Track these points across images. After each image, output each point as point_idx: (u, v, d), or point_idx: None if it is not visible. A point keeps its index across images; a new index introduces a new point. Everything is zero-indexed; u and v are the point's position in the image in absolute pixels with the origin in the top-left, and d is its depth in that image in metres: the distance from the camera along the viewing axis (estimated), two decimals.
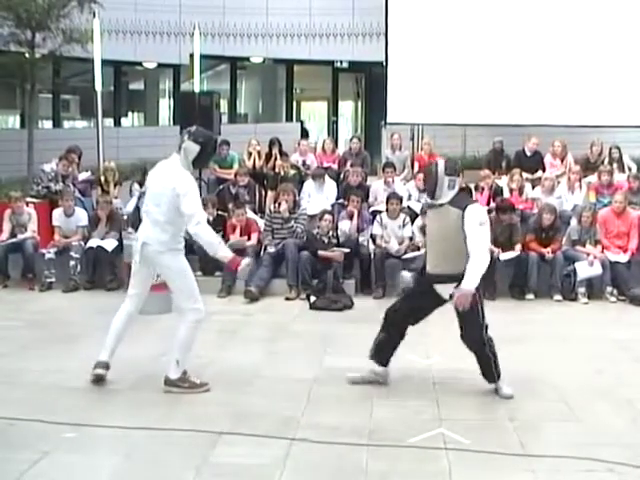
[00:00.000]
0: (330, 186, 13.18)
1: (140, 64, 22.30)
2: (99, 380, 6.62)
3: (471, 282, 6.32)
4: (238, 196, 12.92)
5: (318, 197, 12.94)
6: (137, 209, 12.00)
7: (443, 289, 6.57)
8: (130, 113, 24.13)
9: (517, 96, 15.76)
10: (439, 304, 6.71)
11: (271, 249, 11.23)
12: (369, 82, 23.32)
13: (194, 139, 6.50)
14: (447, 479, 4.88)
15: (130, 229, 11.59)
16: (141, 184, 13.57)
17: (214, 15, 20.62)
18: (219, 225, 11.61)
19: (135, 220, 11.81)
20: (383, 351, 6.90)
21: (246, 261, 6.61)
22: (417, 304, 6.82)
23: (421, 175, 13.42)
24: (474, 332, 6.54)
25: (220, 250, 6.60)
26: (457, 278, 6.37)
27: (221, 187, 13.59)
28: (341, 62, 22.56)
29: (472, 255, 6.32)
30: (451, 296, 6.49)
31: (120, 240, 11.41)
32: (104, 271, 11.37)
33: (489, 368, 6.60)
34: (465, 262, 6.34)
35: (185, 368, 6.60)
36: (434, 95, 15.91)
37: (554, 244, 11.28)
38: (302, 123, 23.04)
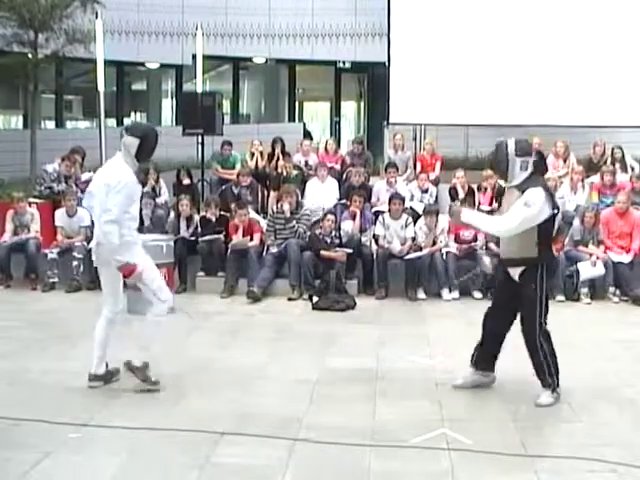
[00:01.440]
0: (332, 186, 13.19)
1: (143, 64, 22.34)
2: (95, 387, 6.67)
3: (471, 216, 6.42)
4: (240, 196, 12.93)
5: (321, 194, 12.96)
6: (139, 209, 12.00)
7: (515, 273, 6.45)
8: (133, 113, 24.15)
9: (519, 96, 15.75)
10: (519, 293, 6.50)
11: (273, 249, 11.24)
12: (371, 82, 23.34)
13: (132, 133, 6.52)
14: (450, 479, 4.88)
15: None
16: (143, 184, 13.59)
17: (217, 15, 20.63)
18: (222, 225, 11.64)
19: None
20: (484, 358, 6.82)
21: (139, 269, 6.52)
22: (504, 295, 6.70)
23: (423, 175, 13.49)
24: (529, 329, 6.51)
25: (116, 253, 6.43)
26: (525, 262, 6.31)
27: (223, 187, 13.60)
28: (343, 62, 22.57)
29: (498, 218, 6.32)
30: (520, 276, 6.37)
31: None
32: None
33: (540, 370, 6.46)
34: (531, 246, 6.26)
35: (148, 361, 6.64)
36: (436, 95, 15.92)
37: (557, 244, 11.26)
38: (304, 125, 23.02)
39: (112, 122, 21.21)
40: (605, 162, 14.16)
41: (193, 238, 11.59)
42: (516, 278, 6.43)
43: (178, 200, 12.10)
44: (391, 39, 16.32)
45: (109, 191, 6.29)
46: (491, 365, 6.83)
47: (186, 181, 13.68)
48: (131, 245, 6.52)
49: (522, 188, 6.26)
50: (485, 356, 6.80)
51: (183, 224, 11.78)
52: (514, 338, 8.66)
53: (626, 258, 11.14)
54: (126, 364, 6.63)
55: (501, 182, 6.53)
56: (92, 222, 11.67)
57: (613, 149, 14.36)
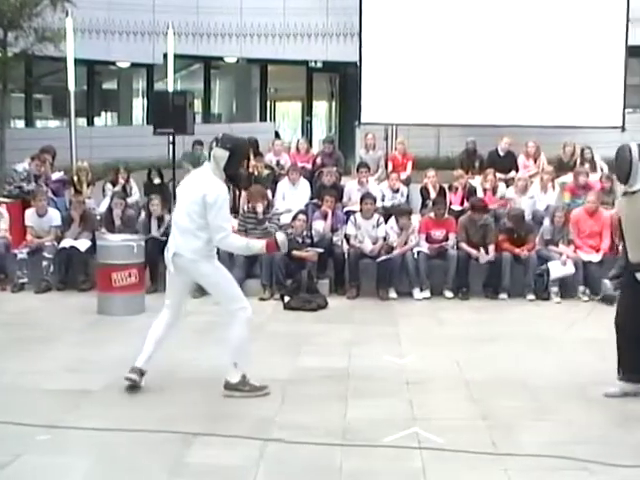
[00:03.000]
0: (304, 186, 13.19)
1: (113, 63, 22.18)
2: (133, 386, 6.54)
3: None
4: None
5: (292, 196, 12.95)
6: (110, 209, 11.95)
7: None
8: (103, 113, 23.98)
9: (490, 97, 15.86)
10: None
11: None
12: (343, 82, 23.34)
13: (222, 145, 6.38)
14: (421, 478, 4.89)
15: (103, 229, 11.54)
16: (114, 184, 13.54)
17: (188, 15, 20.54)
18: None
19: (108, 221, 11.77)
20: (629, 367, 6.63)
21: (280, 237, 6.54)
22: (632, 300, 6.58)
23: (394, 175, 13.52)
24: None
25: (253, 248, 6.61)
26: None
27: None
28: (315, 62, 22.54)
29: None
30: None
31: (93, 240, 11.31)
32: (77, 272, 11.30)
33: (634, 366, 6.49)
34: None
35: (244, 371, 6.53)
36: (408, 95, 15.98)
37: (528, 244, 11.35)
38: (277, 133, 22.98)
39: (82, 121, 21.04)
40: (575, 162, 14.27)
41: (164, 238, 11.51)
42: None
43: (149, 200, 12.04)
44: (362, 39, 16.36)
45: (210, 208, 6.21)
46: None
47: (157, 181, 13.63)
48: (212, 258, 6.51)
49: None
50: (629, 364, 6.65)
51: (154, 224, 11.72)
52: (485, 337, 8.74)
53: (596, 257, 11.23)
54: (226, 387, 6.52)
55: (624, 187, 6.42)
56: (62, 222, 11.71)
57: (583, 149, 14.47)
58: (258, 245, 6.59)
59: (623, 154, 6.32)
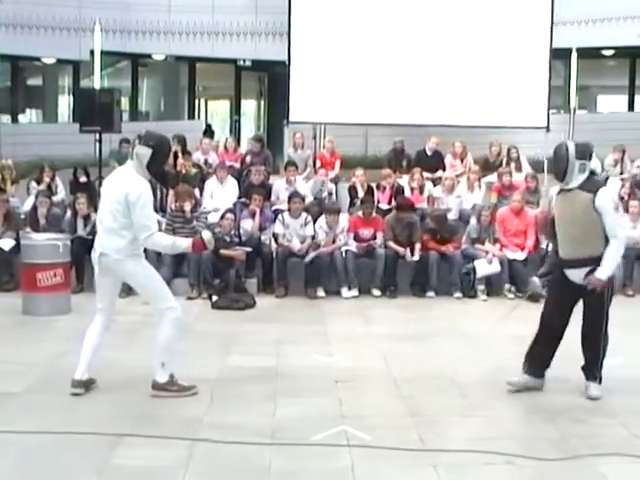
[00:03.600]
0: (232, 185, 13.14)
1: (38, 59, 21.79)
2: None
3: (605, 271, 6.30)
4: None
5: (220, 195, 12.90)
6: (34, 208, 11.75)
7: (576, 274, 6.45)
8: (28, 109, 23.55)
9: (418, 97, 15.99)
10: (579, 292, 6.50)
11: None
12: (272, 81, 23.29)
13: (144, 142, 6.29)
14: (350, 476, 4.91)
15: (28, 228, 11.34)
16: (39, 182, 13.31)
17: (115, 11, 20.25)
18: None
19: (33, 220, 11.57)
20: (536, 363, 6.75)
21: (206, 235, 6.49)
22: (559, 298, 6.66)
23: (322, 171, 13.55)
24: (596, 322, 6.45)
25: (179, 247, 6.55)
26: (589, 262, 6.34)
27: None
28: (244, 61, 22.46)
29: (612, 243, 6.31)
30: (584, 279, 6.38)
31: (17, 240, 11.11)
32: (1, 272, 11.09)
33: (595, 364, 6.52)
34: (597, 246, 6.32)
35: (172, 371, 6.47)
36: (336, 94, 16.03)
37: (453, 243, 11.48)
38: (209, 124, 22.81)
39: (7, 118, 20.68)
40: (501, 162, 14.48)
41: (90, 237, 11.37)
42: (580, 278, 6.43)
43: (75, 198, 11.88)
44: (291, 38, 16.36)
45: (133, 206, 6.11)
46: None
47: (83, 179, 13.45)
48: (138, 257, 6.41)
49: (589, 189, 6.34)
50: (536, 359, 6.76)
51: (80, 223, 11.57)
52: (413, 335, 8.81)
53: (521, 256, 11.41)
54: (154, 387, 6.44)
55: (560, 185, 6.49)
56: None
57: (509, 149, 14.70)
58: (184, 244, 6.52)
59: (560, 152, 6.45)
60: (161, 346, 6.45)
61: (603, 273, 6.33)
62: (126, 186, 6.18)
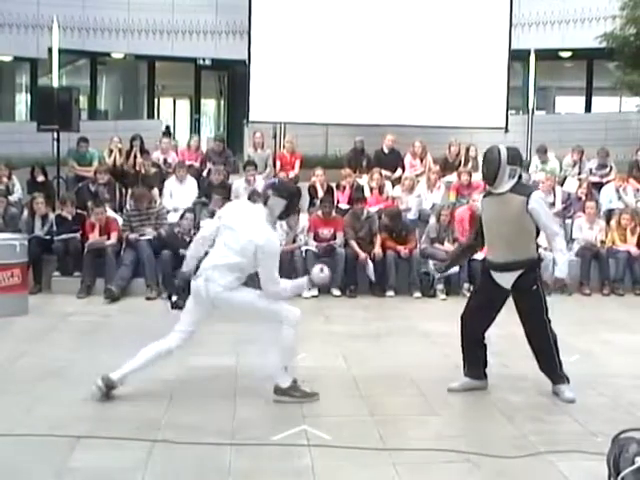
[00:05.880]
0: (191, 185, 13.09)
1: None
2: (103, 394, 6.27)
3: (562, 269, 6.38)
4: (98, 194, 12.68)
5: (180, 194, 12.86)
6: None
7: (505, 278, 6.44)
8: None
9: (378, 97, 16.04)
10: (504, 296, 6.53)
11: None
12: (232, 80, 23.26)
13: (279, 194, 6.22)
14: (310, 475, 4.91)
15: None
16: None
17: (73, 8, 20.12)
18: (78, 224, 11.39)
19: None
20: (473, 364, 6.75)
21: (324, 273, 6.46)
22: (483, 300, 6.66)
23: (283, 174, 13.54)
24: (540, 327, 6.45)
25: (301, 288, 6.66)
26: (520, 265, 6.34)
27: (80, 185, 13.31)
28: (204, 60, 22.40)
29: (556, 240, 6.36)
30: (513, 286, 6.39)
31: None
32: None
33: (554, 367, 6.52)
34: (528, 250, 6.35)
35: (295, 376, 6.43)
36: (296, 94, 16.03)
37: (409, 243, 11.54)
38: (168, 128, 22.70)
39: None
40: (460, 162, 14.58)
41: (48, 237, 11.30)
42: (510, 282, 6.43)
43: (32, 198, 11.78)
44: (252, 37, 16.34)
45: (265, 258, 6.06)
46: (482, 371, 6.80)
47: (40, 178, 13.32)
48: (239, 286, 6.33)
49: (521, 192, 6.34)
50: (473, 361, 6.76)
51: (38, 222, 11.48)
52: (373, 334, 8.83)
53: (479, 255, 11.44)
54: (276, 392, 6.38)
55: (489, 188, 6.51)
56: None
57: (468, 148, 14.80)
58: (303, 284, 6.62)
59: (492, 156, 6.42)
60: (282, 350, 6.41)
61: (562, 271, 6.39)
62: (260, 236, 6.07)
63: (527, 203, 6.27)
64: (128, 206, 11.74)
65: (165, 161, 14.46)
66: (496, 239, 6.52)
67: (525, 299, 6.45)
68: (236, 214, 6.37)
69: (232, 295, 6.24)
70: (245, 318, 6.64)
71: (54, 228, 11.37)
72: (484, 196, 6.75)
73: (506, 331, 9.09)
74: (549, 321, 6.47)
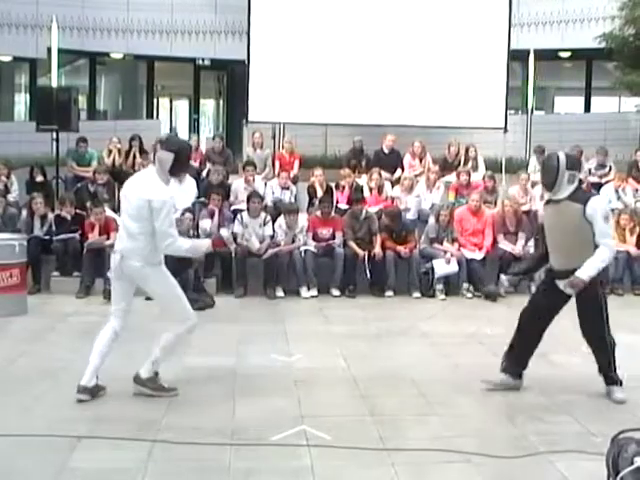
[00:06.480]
0: (190, 185, 13.08)
1: None
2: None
3: (586, 272, 6.28)
4: (97, 194, 12.68)
5: (178, 194, 12.83)
6: None
7: (565, 285, 6.45)
8: None
9: (378, 97, 16.01)
10: (566, 300, 6.55)
11: None
12: (231, 80, 23.27)
13: (166, 148, 6.23)
14: (310, 475, 4.91)
15: None
16: None
17: (73, 8, 20.13)
18: (77, 224, 11.38)
19: None
20: (516, 363, 6.76)
21: (225, 233, 6.46)
22: (544, 301, 6.67)
23: (284, 174, 13.53)
24: (595, 328, 6.46)
25: (200, 248, 6.65)
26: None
27: (79, 185, 13.32)
28: (203, 60, 22.42)
29: (598, 249, 6.30)
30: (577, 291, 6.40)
31: None
32: None
33: (608, 369, 6.53)
34: (589, 257, 6.30)
35: (158, 370, 6.47)
36: (296, 94, 16.01)
37: (409, 243, 11.54)
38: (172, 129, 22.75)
39: None
40: (459, 162, 14.57)
41: (47, 237, 11.30)
42: (569, 292, 6.44)
43: (31, 198, 11.77)
44: (251, 37, 16.30)
45: (157, 213, 6.03)
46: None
47: (40, 178, 13.31)
48: (160, 264, 6.36)
49: (578, 199, 6.33)
50: (517, 360, 6.79)
51: (37, 223, 11.47)
52: (372, 334, 8.83)
53: (478, 255, 11.49)
54: (136, 380, 6.42)
55: (546, 194, 6.52)
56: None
57: (467, 148, 14.78)
58: (205, 244, 6.64)
59: (551, 163, 6.43)
60: (161, 347, 6.46)
61: (584, 273, 6.32)
62: (150, 192, 6.10)
63: (584, 211, 6.29)
64: None
65: None
66: (557, 247, 6.55)
67: (585, 304, 6.46)
68: (130, 183, 6.45)
69: (148, 275, 6.26)
70: (154, 297, 6.64)
71: (53, 228, 11.36)
72: (545, 204, 6.80)
73: (508, 331, 9.11)
74: (608, 326, 6.49)
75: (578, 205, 6.32)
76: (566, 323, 6.79)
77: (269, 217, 11.60)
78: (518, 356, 6.78)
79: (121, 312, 6.44)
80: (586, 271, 6.31)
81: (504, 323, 9.48)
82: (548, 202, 6.68)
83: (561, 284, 6.51)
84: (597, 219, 6.30)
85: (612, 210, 13.09)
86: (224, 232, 6.45)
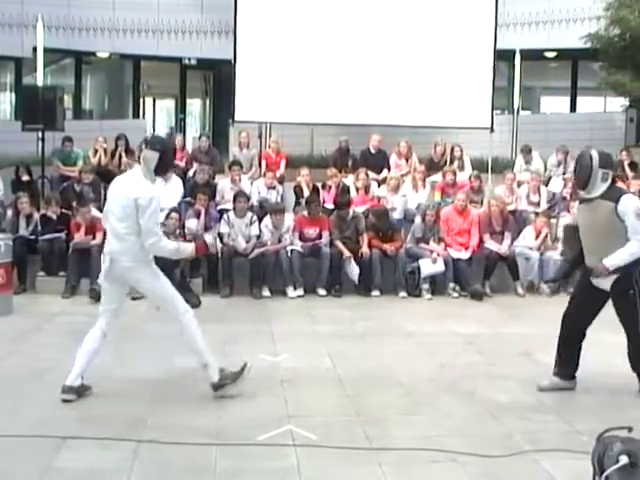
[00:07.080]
0: (176, 184, 13.05)
1: None
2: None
3: (611, 261, 6.26)
4: (82, 194, 12.63)
5: (164, 193, 12.80)
6: None
7: (602, 283, 6.43)
8: None
9: (364, 96, 16.00)
10: (605, 297, 6.53)
11: None
12: (217, 80, 23.23)
13: (151, 147, 6.24)
14: (296, 475, 4.91)
15: None
16: None
17: (58, 7, 20.05)
18: (63, 224, 11.35)
19: None
20: (566, 364, 6.75)
21: (208, 238, 6.44)
22: (583, 301, 6.66)
23: (271, 174, 13.53)
24: (633, 329, 6.43)
25: (184, 251, 6.63)
26: (617, 269, 6.30)
27: (65, 185, 13.26)
28: (189, 59, 22.38)
29: (628, 243, 6.27)
30: (612, 287, 6.39)
31: None
32: None
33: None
34: None
35: (221, 366, 6.49)
36: (282, 94, 15.98)
37: (395, 242, 11.55)
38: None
39: None
40: (446, 162, 14.59)
41: (33, 237, 11.25)
42: (607, 287, 6.44)
43: (17, 198, 11.72)
44: (237, 37, 16.27)
45: (143, 211, 6.04)
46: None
47: (25, 178, 13.27)
48: (150, 262, 6.37)
49: (610, 197, 6.32)
50: (567, 361, 6.78)
51: (22, 222, 11.42)
52: (358, 334, 8.84)
53: (465, 255, 11.51)
54: (215, 388, 6.41)
55: (581, 193, 6.49)
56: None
57: (453, 147, 14.81)
58: (188, 248, 6.66)
59: (584, 161, 6.42)
60: (193, 350, 6.45)
61: (609, 261, 6.30)
62: (136, 190, 6.11)
63: (616, 208, 6.29)
64: None
65: None
66: (592, 246, 6.54)
67: (621, 302, 6.46)
68: (116, 184, 6.46)
69: (139, 275, 6.30)
70: (148, 295, 6.67)
71: (39, 228, 11.32)
72: (579, 203, 6.80)
73: (493, 330, 9.15)
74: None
75: (610, 203, 6.31)
76: None
77: (255, 217, 11.59)
78: (566, 357, 6.77)
79: (109, 313, 6.43)
80: (611, 260, 6.31)
81: (490, 322, 9.56)
82: (582, 201, 6.68)
83: (597, 282, 6.51)
84: (629, 216, 6.29)
85: None
86: (208, 237, 6.43)
